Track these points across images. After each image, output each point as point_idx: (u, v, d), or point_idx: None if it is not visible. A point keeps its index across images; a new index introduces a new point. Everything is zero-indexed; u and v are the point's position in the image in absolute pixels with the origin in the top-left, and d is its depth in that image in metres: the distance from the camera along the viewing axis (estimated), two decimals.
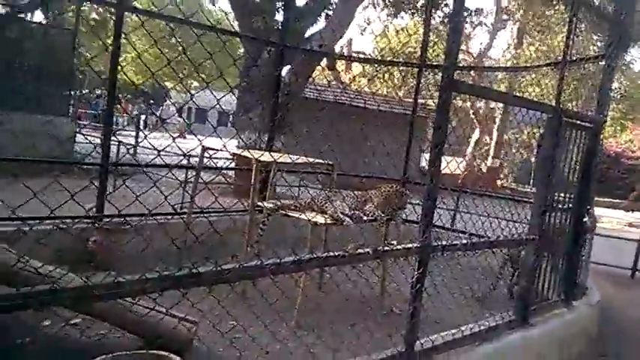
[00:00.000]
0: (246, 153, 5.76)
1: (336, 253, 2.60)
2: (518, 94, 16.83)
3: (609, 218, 14.08)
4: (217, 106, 2.49)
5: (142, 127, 21.62)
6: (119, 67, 6.03)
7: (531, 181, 21.21)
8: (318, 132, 2.75)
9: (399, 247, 2.99)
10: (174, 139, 2.22)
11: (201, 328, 3.74)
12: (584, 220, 4.73)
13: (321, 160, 5.59)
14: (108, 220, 5.92)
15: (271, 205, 5.08)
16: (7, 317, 3.79)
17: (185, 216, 6.39)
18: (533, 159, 22.47)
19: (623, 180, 20.83)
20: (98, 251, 5.50)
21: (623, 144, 22.84)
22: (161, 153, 2.31)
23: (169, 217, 6.44)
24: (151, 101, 28.78)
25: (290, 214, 4.98)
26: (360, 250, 2.73)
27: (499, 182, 21.65)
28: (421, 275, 3.08)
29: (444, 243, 3.24)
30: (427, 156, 3.38)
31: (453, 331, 3.51)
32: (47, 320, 4.08)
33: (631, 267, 7.99)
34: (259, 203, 5.33)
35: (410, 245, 3.05)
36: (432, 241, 3.12)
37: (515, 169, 23.19)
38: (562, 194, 4.42)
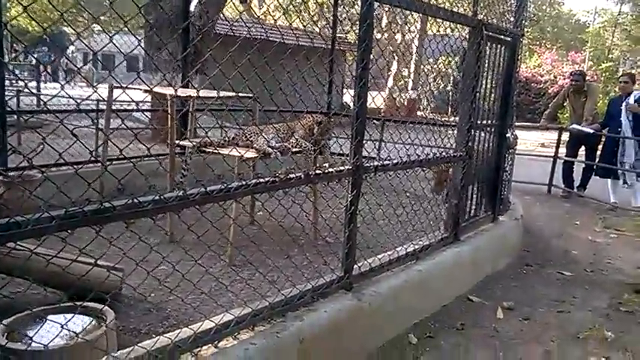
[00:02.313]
0: (160, 89, 5.37)
1: (267, 179, 2.43)
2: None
3: (523, 140, 14.77)
4: (125, 50, 2.15)
5: (43, 79, 19.87)
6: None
7: (449, 109, 21.80)
8: (235, 70, 2.51)
9: (330, 169, 2.86)
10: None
11: (129, 274, 3.52)
12: (507, 135, 4.83)
13: (242, 94, 5.30)
14: (9, 172, 5.44)
15: (193, 143, 4.80)
16: None
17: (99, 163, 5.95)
18: (448, 87, 23.01)
19: (534, 104, 21.90)
20: (3, 206, 5.03)
21: (532, 69, 23.79)
22: (69, 103, 2.00)
23: (83, 165, 5.95)
24: (45, 49, 26.27)
25: (214, 151, 4.73)
26: (291, 175, 2.57)
27: (419, 113, 22.10)
28: (354, 198, 2.99)
29: (376, 163, 3.15)
30: (350, 91, 3.33)
31: (389, 252, 3.49)
32: None
33: (547, 183, 8.42)
34: (180, 142, 5.03)
35: (342, 167, 2.93)
36: (363, 162, 3.02)
37: (433, 98, 23.71)
38: (485, 111, 4.45)
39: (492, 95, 4.53)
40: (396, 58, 22.86)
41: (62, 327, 1.93)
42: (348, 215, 3.00)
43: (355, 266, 3.10)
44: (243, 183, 2.32)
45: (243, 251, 4.12)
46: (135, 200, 1.81)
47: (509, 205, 5.33)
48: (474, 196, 4.49)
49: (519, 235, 5.25)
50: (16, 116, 10.13)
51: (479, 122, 4.30)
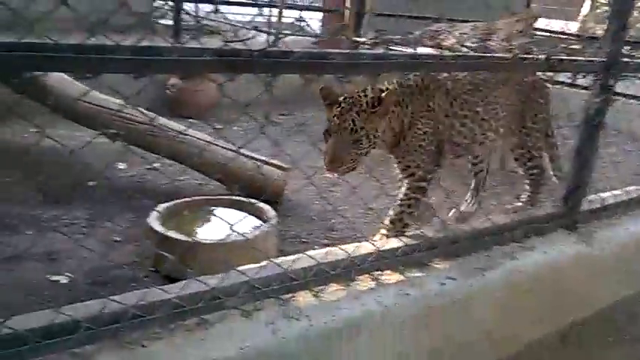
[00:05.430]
0: None
1: (495, 55, 1.71)
2: None
3: None
4: None
5: None
6: None
7: None
8: None
9: (578, 57, 2.03)
10: None
11: (293, 176, 3.14)
12: None
13: None
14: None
15: (366, 39, 4.18)
16: (78, 158, 3.35)
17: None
18: None
19: None
20: (177, 97, 4.98)
21: None
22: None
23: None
24: None
25: (392, 48, 4.06)
26: (524, 55, 1.81)
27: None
28: (602, 105, 2.13)
29: (637, 60, 2.23)
30: None
31: (628, 189, 2.60)
32: (123, 164, 3.62)
33: None
34: (354, 38, 4.42)
35: (593, 59, 2.08)
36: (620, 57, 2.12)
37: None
38: None
39: None
40: None
41: (231, 227, 1.47)
42: (587, 129, 2.17)
43: (584, 199, 2.29)
44: (454, 53, 1.61)
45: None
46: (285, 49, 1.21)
47: None
48: None
49: None
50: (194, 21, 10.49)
51: None
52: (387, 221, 2.08)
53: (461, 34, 3.90)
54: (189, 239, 1.83)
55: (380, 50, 1.45)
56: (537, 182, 2.54)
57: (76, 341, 1.17)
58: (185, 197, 2.81)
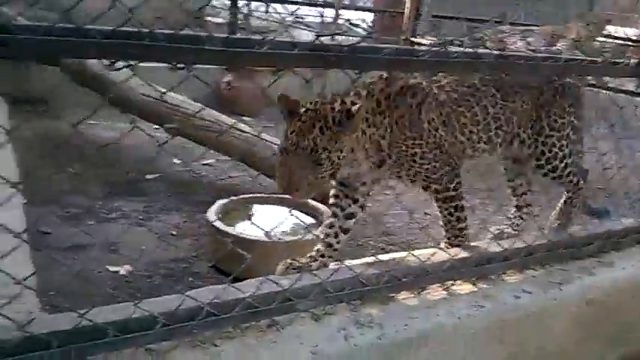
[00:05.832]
0: None
1: (586, 58, 1.62)
2: None
3: None
4: None
5: None
6: None
7: None
8: None
9: None
10: None
11: None
12: None
13: None
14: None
15: (426, 41, 4.09)
16: (136, 151, 3.44)
17: None
18: None
19: None
20: (230, 95, 5.00)
21: None
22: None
23: None
24: None
25: (452, 50, 3.96)
26: (616, 60, 1.71)
27: None
28: None
29: None
30: None
31: None
32: (177, 158, 3.66)
33: None
34: (414, 40, 4.35)
35: None
36: None
37: None
38: None
39: None
40: None
41: (306, 227, 1.44)
42: None
43: None
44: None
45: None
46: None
47: None
48: None
49: None
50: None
51: None
52: (443, 233, 1.94)
53: (527, 37, 3.77)
54: (267, 239, 1.78)
55: (469, 49, 1.39)
56: (573, 188, 2.15)
57: (153, 337, 1.15)
58: (242, 194, 2.81)
